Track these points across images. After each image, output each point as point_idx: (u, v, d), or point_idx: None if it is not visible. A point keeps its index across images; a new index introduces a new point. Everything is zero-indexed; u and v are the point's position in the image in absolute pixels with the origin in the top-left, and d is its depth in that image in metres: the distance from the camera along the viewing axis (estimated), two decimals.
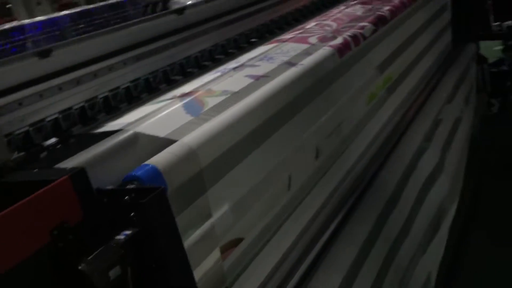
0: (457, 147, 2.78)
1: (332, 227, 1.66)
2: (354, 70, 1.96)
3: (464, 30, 3.74)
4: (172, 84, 1.63)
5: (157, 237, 0.91)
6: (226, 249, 1.23)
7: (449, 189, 2.48)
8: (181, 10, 1.75)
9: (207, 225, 1.15)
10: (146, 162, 1.04)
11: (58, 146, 1.19)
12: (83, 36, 1.53)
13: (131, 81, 1.52)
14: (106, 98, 1.42)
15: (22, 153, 1.18)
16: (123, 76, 1.52)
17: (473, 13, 3.96)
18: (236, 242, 1.27)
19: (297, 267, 1.45)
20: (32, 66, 1.25)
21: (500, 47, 5.52)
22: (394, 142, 2.28)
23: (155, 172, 1.01)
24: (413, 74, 2.67)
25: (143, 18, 1.80)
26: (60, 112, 1.29)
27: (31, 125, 1.22)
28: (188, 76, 1.69)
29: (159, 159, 1.05)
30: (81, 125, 1.34)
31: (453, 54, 3.50)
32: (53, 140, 1.25)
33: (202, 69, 1.77)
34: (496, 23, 4.56)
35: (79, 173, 0.94)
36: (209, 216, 1.16)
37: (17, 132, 1.18)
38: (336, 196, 1.80)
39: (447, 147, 2.62)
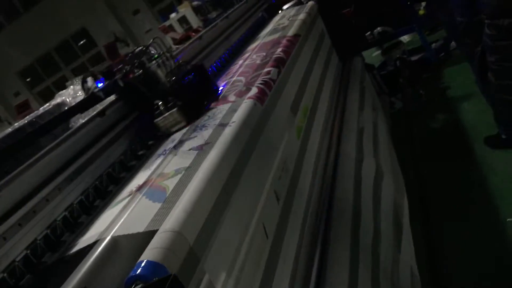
0: (384, 147, 2.98)
1: (317, 256, 1.71)
2: (276, 112, 2.07)
3: (345, 47, 4.07)
4: (120, 182, 1.63)
5: None
6: None
7: (395, 187, 2.63)
8: (103, 112, 1.78)
9: None
10: (140, 259, 1.04)
11: (40, 279, 1.15)
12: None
13: (82, 193, 1.50)
14: (64, 218, 1.40)
15: None
16: (68, 196, 1.50)
17: (346, 31, 4.33)
18: None
19: None
20: None
21: (377, 52, 6.06)
22: (334, 163, 2.40)
23: (155, 265, 1.01)
24: (322, 97, 2.85)
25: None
26: (26, 247, 1.25)
27: (3, 271, 1.16)
28: (131, 170, 1.70)
29: (150, 252, 1.05)
30: (51, 253, 1.30)
31: (346, 69, 3.78)
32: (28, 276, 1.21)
33: (140, 159, 1.79)
34: (367, 33, 5.03)
35: None
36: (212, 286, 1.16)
37: None
38: (308, 229, 1.86)
39: (377, 150, 2.80)
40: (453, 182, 3.14)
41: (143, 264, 1.02)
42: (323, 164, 2.34)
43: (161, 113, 1.90)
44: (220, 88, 2.17)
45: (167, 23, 11.70)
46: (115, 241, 1.14)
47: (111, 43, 9.20)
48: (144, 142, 1.93)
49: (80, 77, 4.85)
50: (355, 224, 1.98)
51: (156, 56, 2.09)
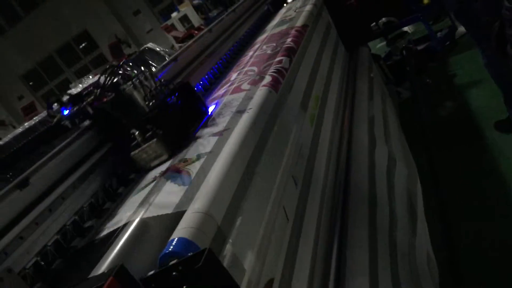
0: (395, 135, 3.00)
1: (336, 238, 1.73)
2: (290, 100, 2.09)
3: (351, 38, 4.08)
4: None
5: None
6: None
7: (407, 174, 2.65)
8: None
9: (245, 276, 1.17)
10: (172, 237, 1.06)
11: (74, 261, 1.18)
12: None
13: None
14: (90, 204, 1.42)
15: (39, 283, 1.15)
16: (93, 183, 1.53)
17: (351, 22, 4.34)
18: (270, 283, 1.30)
19: (327, 279, 1.50)
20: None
21: (382, 44, 6.07)
22: (347, 150, 2.42)
23: (187, 242, 1.04)
24: (332, 86, 2.87)
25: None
26: (56, 232, 1.27)
27: (36, 255, 1.19)
28: None
29: (181, 231, 1.07)
30: (80, 238, 1.33)
31: (353, 60, 3.80)
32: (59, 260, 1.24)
33: None
34: (372, 24, 5.04)
35: (120, 270, 0.94)
36: (240, 266, 1.19)
37: (28, 265, 1.15)
38: (326, 213, 1.88)
39: (388, 138, 2.82)
40: (464, 167, 3.16)
41: (175, 242, 1.04)
42: (337, 151, 2.37)
43: (138, 145, 1.58)
44: (211, 108, 1.90)
45: (169, 22, 11.75)
46: (145, 223, 1.17)
47: (115, 42, 9.23)
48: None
49: (86, 77, 4.89)
50: (371, 207, 2.00)
51: (133, 75, 1.78)
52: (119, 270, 0.94)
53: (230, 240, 1.19)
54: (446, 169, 3.17)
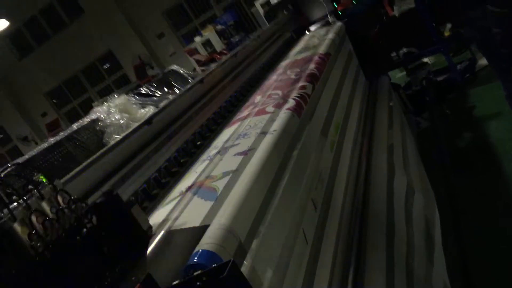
0: (414, 164, 3.02)
1: (353, 263, 1.75)
2: (312, 125, 2.14)
3: (372, 67, 4.14)
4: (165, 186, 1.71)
5: None
6: None
7: (425, 203, 2.66)
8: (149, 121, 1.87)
9: None
10: (196, 249, 1.10)
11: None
12: None
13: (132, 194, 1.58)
14: None
15: None
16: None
17: (372, 51, 4.41)
18: None
19: None
20: None
21: (402, 74, 6.11)
22: (365, 177, 2.45)
23: (210, 254, 1.08)
24: (352, 114, 2.92)
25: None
26: None
27: None
28: (175, 175, 1.78)
29: (206, 242, 1.12)
30: None
31: (373, 88, 3.85)
32: None
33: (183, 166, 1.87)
34: (393, 53, 5.10)
35: (147, 279, 0.99)
36: (259, 281, 1.22)
37: None
38: (343, 239, 1.91)
39: (407, 166, 2.84)
40: (483, 196, 3.15)
41: (199, 254, 1.08)
42: (355, 178, 2.40)
43: None
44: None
45: (192, 46, 11.97)
46: (171, 235, 1.21)
47: (140, 64, 9.45)
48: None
49: (111, 95, 4.99)
50: (389, 235, 2.02)
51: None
52: (146, 278, 0.98)
53: (251, 256, 1.22)
54: (465, 199, 3.17)
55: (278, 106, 2.03)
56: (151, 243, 1.20)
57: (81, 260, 1.02)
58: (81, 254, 1.03)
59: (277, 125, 1.81)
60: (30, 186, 1.10)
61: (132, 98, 4.31)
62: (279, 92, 2.27)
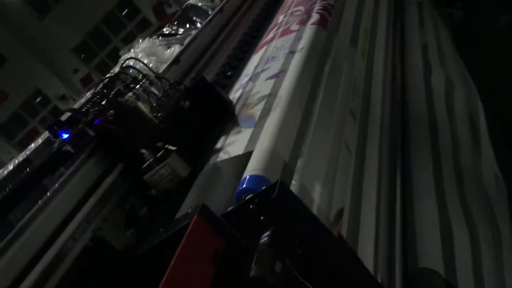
0: (451, 60, 2.93)
1: (399, 165, 1.77)
2: (339, 36, 2.09)
3: None
4: None
5: (297, 221, 1.01)
6: (337, 221, 1.33)
7: (466, 95, 2.61)
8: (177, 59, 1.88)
9: (315, 205, 1.25)
10: (244, 175, 1.14)
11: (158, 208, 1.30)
12: None
13: None
14: None
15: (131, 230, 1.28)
16: None
17: None
18: (341, 212, 1.37)
19: (393, 203, 1.56)
20: None
21: None
22: (401, 79, 2.41)
23: (258, 178, 1.12)
24: (380, 17, 2.82)
25: None
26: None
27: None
28: None
29: (252, 168, 1.16)
30: None
31: None
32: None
33: None
34: None
35: (203, 209, 1.04)
36: (309, 196, 1.26)
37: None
38: (386, 143, 1.92)
39: (444, 62, 2.76)
40: None
41: (247, 179, 1.13)
42: (391, 82, 2.36)
43: (150, 167, 1.29)
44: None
45: None
46: (218, 166, 1.26)
47: (158, 4, 9.29)
48: None
49: (136, 41, 4.99)
50: (432, 132, 2.01)
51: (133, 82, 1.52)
52: (202, 208, 1.03)
53: (297, 174, 1.26)
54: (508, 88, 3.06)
55: (302, 22, 1.99)
56: (201, 177, 1.25)
57: (185, 126, 1.45)
58: (185, 122, 1.45)
59: (304, 42, 1.78)
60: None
61: (157, 40, 4.30)
62: (302, 8, 2.21)
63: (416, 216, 1.63)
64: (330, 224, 1.25)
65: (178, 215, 1.16)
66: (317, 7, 2.10)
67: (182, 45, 2.24)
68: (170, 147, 1.28)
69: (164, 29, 4.81)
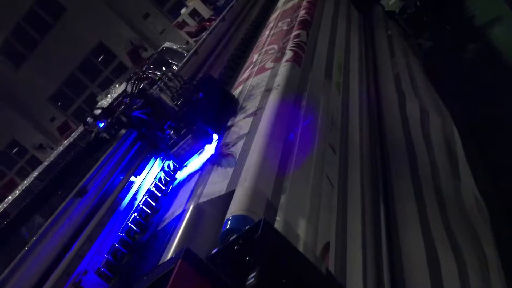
0: (423, 87, 3.00)
1: (381, 195, 1.78)
2: (314, 71, 2.13)
3: None
4: None
5: (283, 259, 1.00)
6: (324, 256, 1.31)
7: (441, 121, 2.65)
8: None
9: (300, 241, 1.23)
10: (227, 216, 1.13)
11: (141, 254, 1.27)
12: None
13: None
14: (145, 201, 1.51)
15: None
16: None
17: None
18: (327, 246, 1.36)
19: (379, 236, 1.55)
20: None
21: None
22: (377, 109, 2.45)
23: (241, 218, 1.11)
24: (352, 50, 2.88)
25: None
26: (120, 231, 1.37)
27: (107, 253, 1.29)
28: None
29: (235, 208, 1.14)
30: (142, 234, 1.42)
31: (367, 21, 3.78)
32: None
33: None
34: None
35: (187, 253, 1.02)
36: (294, 232, 1.25)
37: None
38: (367, 174, 1.93)
39: (417, 90, 2.82)
40: (497, 106, 3.12)
41: (230, 219, 1.11)
42: (367, 112, 2.39)
43: (175, 143, 1.70)
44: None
45: (179, 19, 11.80)
46: (200, 208, 1.24)
47: (133, 49, 9.37)
48: None
49: (113, 87, 5.01)
50: (411, 159, 2.03)
51: (158, 77, 1.90)
52: (185, 252, 1.01)
53: (281, 210, 1.25)
54: (479, 111, 3.14)
55: (277, 60, 2.02)
56: (183, 220, 1.23)
57: (200, 110, 1.73)
58: (199, 107, 1.73)
59: (279, 79, 1.80)
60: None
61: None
62: (275, 46, 2.25)
63: (402, 247, 1.62)
64: (317, 260, 1.24)
65: (161, 260, 1.13)
66: (290, 44, 2.14)
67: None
68: (190, 127, 1.66)
69: (141, 73, 4.83)
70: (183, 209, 1.28)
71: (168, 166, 1.78)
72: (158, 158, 1.80)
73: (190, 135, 1.66)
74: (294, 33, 2.28)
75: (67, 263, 1.21)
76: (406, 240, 1.62)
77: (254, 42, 2.80)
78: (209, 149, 1.63)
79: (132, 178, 1.66)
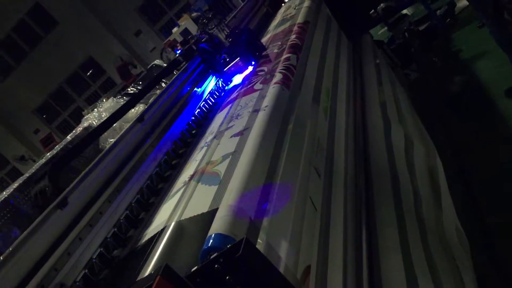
0: (409, 117, 3.03)
1: (364, 220, 1.78)
2: (302, 94, 2.15)
3: (352, 27, 4.12)
4: (168, 180, 1.72)
5: (264, 280, 0.99)
6: (304, 279, 1.30)
7: (425, 151, 2.68)
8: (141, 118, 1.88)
9: (282, 263, 1.22)
10: (208, 235, 1.12)
11: (120, 270, 1.24)
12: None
13: (137, 193, 1.60)
14: (126, 216, 1.49)
15: None
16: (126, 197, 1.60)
17: (350, 12, 4.38)
18: (307, 269, 1.35)
19: (360, 260, 1.55)
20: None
21: (384, 29, 6.09)
22: (363, 136, 2.47)
23: (223, 237, 1.10)
24: (340, 77, 2.92)
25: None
26: (100, 245, 1.34)
27: (84, 268, 1.26)
28: (176, 167, 1.79)
29: (218, 226, 1.13)
30: (122, 248, 1.39)
31: (356, 49, 3.84)
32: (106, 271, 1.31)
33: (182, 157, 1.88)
34: (371, 11, 5.07)
35: (166, 269, 1.00)
36: (275, 254, 1.24)
37: (78, 278, 1.22)
38: (351, 199, 1.93)
39: (402, 119, 2.85)
40: (481, 137, 3.17)
41: (212, 238, 1.10)
42: (353, 138, 2.41)
43: (227, 65, 2.62)
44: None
45: (171, 38, 11.86)
46: (182, 225, 1.23)
47: (122, 65, 9.37)
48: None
49: (100, 101, 4.98)
50: (394, 187, 2.04)
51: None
52: (164, 269, 1.00)
53: (264, 232, 1.24)
54: (464, 142, 3.20)
55: (266, 82, 2.03)
56: (164, 236, 1.21)
57: (243, 44, 2.62)
58: (243, 43, 2.64)
59: (267, 100, 1.81)
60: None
61: (121, 99, 4.31)
62: (265, 68, 2.27)
63: (383, 274, 1.62)
64: (297, 283, 1.23)
65: (139, 277, 1.11)
66: (280, 67, 2.16)
67: (147, 104, 2.25)
68: (238, 52, 2.59)
69: (129, 89, 4.84)
70: (164, 226, 1.27)
71: (218, 82, 2.63)
72: (214, 76, 2.63)
73: (238, 58, 2.53)
74: (284, 56, 2.30)
75: (42, 275, 1.18)
76: (387, 267, 1.62)
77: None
78: (246, 71, 2.46)
79: (196, 89, 2.44)
